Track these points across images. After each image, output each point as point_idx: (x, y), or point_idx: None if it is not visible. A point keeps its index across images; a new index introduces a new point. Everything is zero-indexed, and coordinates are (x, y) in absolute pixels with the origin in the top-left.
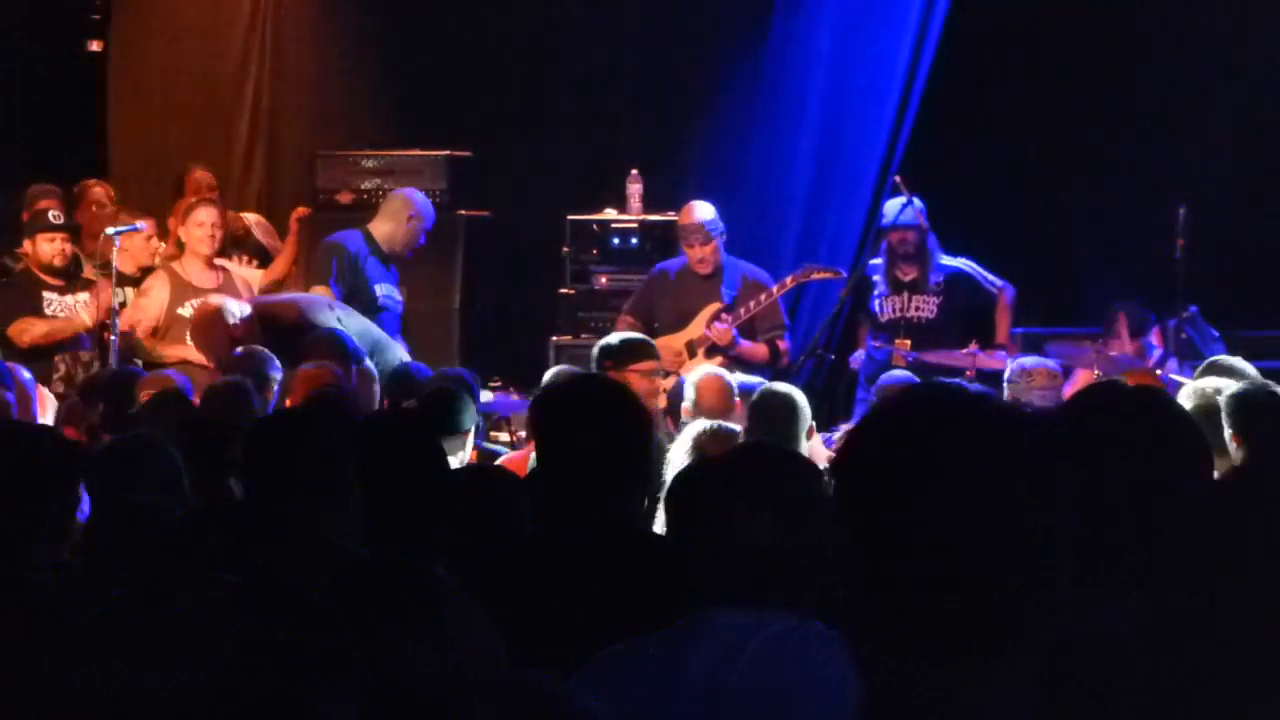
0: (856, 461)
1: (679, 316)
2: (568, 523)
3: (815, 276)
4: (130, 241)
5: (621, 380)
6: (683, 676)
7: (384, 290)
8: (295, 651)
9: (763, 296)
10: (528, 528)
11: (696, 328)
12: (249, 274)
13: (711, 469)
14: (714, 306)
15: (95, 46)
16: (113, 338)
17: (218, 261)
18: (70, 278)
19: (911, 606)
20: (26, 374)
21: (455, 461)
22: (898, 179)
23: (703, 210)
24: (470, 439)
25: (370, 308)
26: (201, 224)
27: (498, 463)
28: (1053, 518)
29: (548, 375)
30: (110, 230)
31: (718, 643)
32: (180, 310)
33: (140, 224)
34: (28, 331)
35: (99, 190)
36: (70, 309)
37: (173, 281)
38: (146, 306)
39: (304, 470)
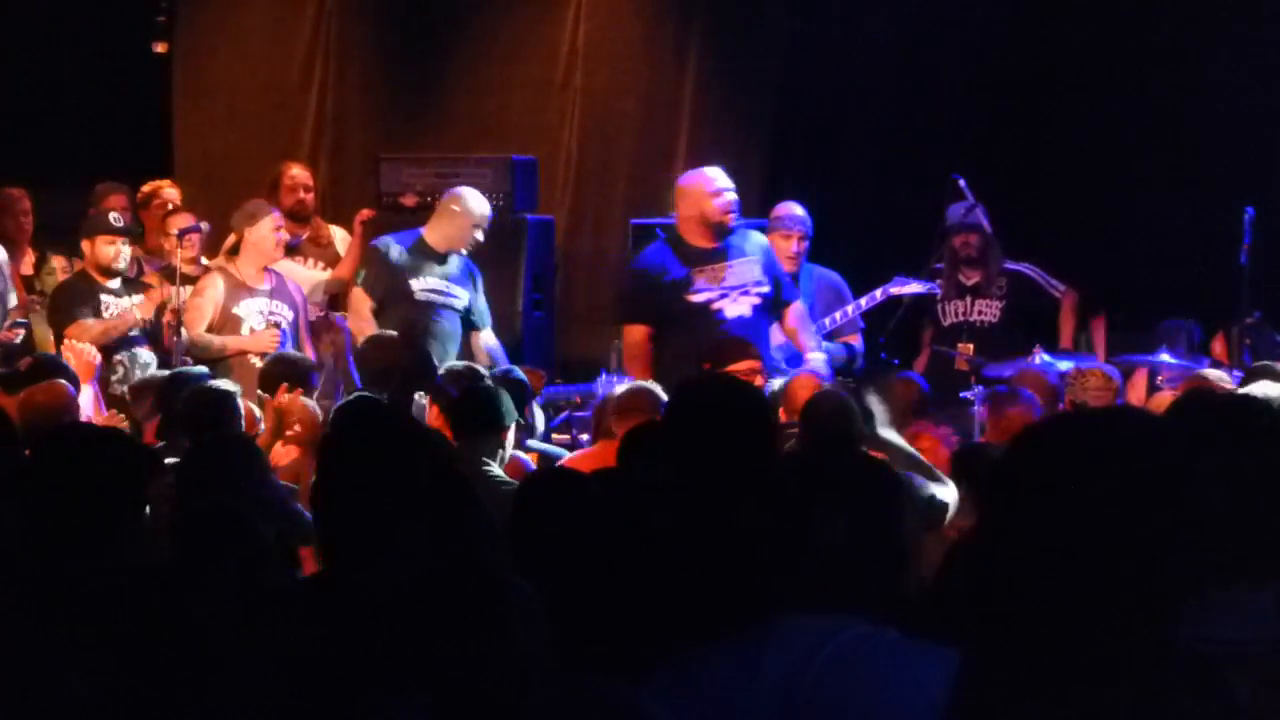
0: (1012, 480)
1: None
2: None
3: (907, 290)
4: (191, 242)
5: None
6: (758, 682)
7: (426, 284)
8: (365, 652)
9: (849, 309)
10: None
11: (775, 334)
12: (313, 275)
13: (786, 473)
14: (795, 306)
15: (161, 48)
16: (176, 339)
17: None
18: (126, 280)
19: (1037, 622)
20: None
21: (496, 461)
22: (961, 183)
23: (798, 206)
24: (510, 436)
25: (408, 301)
26: (279, 228)
27: (559, 464)
28: (1188, 542)
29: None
30: (175, 230)
31: (793, 648)
32: (235, 310)
33: (204, 224)
34: (86, 332)
35: (170, 191)
36: (125, 310)
37: (227, 281)
38: (201, 306)
39: (375, 472)
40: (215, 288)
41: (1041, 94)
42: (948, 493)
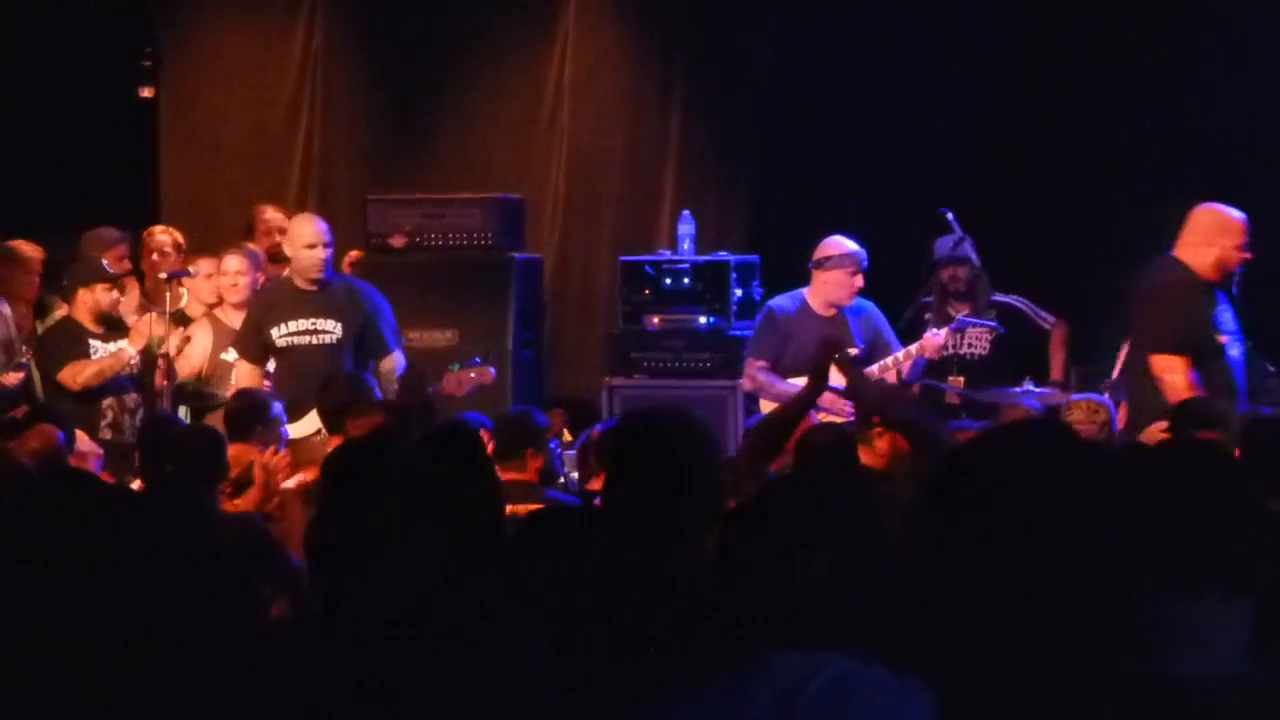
0: (946, 500)
1: (807, 359)
2: (627, 556)
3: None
4: (192, 284)
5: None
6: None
7: (288, 328)
8: (361, 689)
9: (913, 349)
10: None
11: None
12: None
13: (766, 508)
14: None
15: (147, 93)
16: (166, 382)
17: None
18: (113, 325)
19: (994, 643)
20: None
21: None
22: (948, 216)
23: (850, 240)
24: None
25: (273, 351)
26: (226, 273)
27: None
28: (1134, 560)
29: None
30: (163, 275)
31: (777, 686)
32: (224, 356)
33: (192, 269)
34: (80, 374)
35: (165, 237)
36: (116, 350)
37: (215, 328)
38: (190, 354)
39: (375, 502)
40: (203, 336)
41: (1028, 125)
42: None
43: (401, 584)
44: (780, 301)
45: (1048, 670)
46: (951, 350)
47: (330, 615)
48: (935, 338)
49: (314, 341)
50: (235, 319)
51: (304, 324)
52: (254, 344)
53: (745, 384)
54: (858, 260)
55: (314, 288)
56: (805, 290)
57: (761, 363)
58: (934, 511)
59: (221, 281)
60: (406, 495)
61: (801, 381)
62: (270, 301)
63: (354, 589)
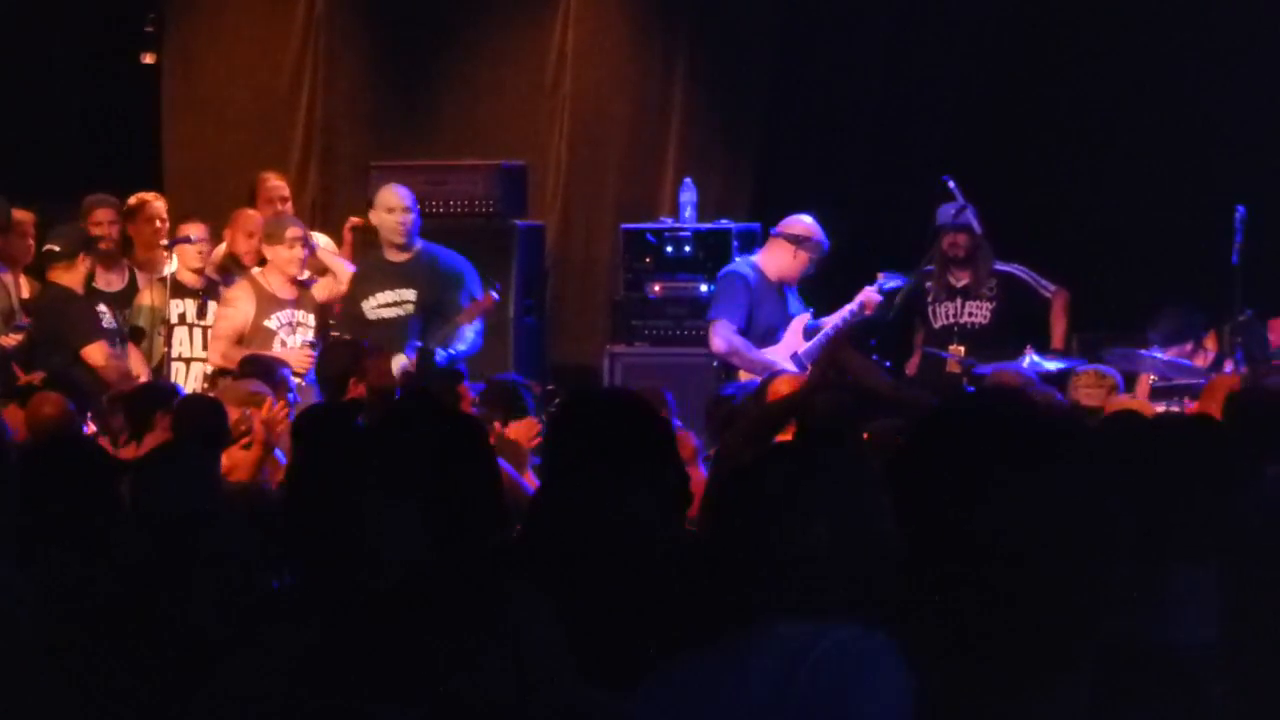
0: (917, 466)
1: (768, 327)
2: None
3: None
4: (183, 251)
5: None
6: (744, 689)
7: (377, 300)
8: (364, 656)
9: (854, 308)
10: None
11: (795, 341)
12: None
13: (762, 476)
14: (804, 317)
15: (149, 59)
16: (166, 349)
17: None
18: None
19: (970, 614)
20: None
21: None
22: (950, 184)
23: (815, 225)
24: None
25: (364, 325)
26: (293, 244)
27: None
28: (1110, 528)
29: None
30: (164, 242)
31: (779, 654)
32: (266, 322)
33: (192, 236)
34: (108, 361)
35: (158, 205)
36: (109, 318)
37: (258, 293)
38: (232, 316)
39: (372, 466)
40: (246, 301)
41: (1032, 94)
42: None
43: (392, 549)
44: (742, 269)
45: (1017, 639)
46: (952, 319)
47: (320, 578)
48: (870, 293)
49: (400, 313)
50: (276, 284)
51: (390, 295)
52: (354, 320)
53: (719, 345)
54: (809, 248)
55: (401, 257)
56: (757, 257)
57: (734, 326)
58: (898, 480)
59: (285, 254)
60: (363, 456)
61: (769, 351)
62: (362, 276)
63: (339, 552)
